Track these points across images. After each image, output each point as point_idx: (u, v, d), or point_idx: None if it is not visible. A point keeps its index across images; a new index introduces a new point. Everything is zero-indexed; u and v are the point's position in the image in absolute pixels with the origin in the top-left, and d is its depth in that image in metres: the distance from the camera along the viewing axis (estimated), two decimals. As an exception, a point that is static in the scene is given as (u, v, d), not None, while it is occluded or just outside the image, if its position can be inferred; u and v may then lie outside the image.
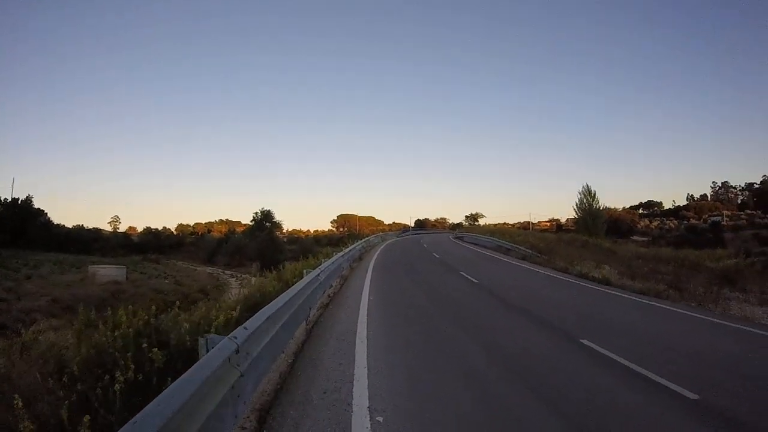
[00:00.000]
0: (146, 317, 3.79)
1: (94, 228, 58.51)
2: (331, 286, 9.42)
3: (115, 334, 3.41)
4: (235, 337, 2.56)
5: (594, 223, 45.13)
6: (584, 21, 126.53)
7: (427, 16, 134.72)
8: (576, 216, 48.58)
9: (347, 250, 14.56)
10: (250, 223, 46.32)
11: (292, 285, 5.49)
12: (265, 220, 40.85)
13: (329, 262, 9.09)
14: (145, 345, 3.05)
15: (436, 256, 19.83)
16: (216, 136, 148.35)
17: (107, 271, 25.11)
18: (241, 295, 6.49)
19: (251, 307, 5.07)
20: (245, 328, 2.83)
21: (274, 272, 9.31)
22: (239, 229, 60.17)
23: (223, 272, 40.98)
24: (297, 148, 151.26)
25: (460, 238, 39.49)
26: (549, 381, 3.93)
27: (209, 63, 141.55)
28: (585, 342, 5.33)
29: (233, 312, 4.29)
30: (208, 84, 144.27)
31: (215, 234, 66.14)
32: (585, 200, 46.87)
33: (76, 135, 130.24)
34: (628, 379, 4.06)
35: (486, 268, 15.16)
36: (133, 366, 2.77)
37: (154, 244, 62.83)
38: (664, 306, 8.57)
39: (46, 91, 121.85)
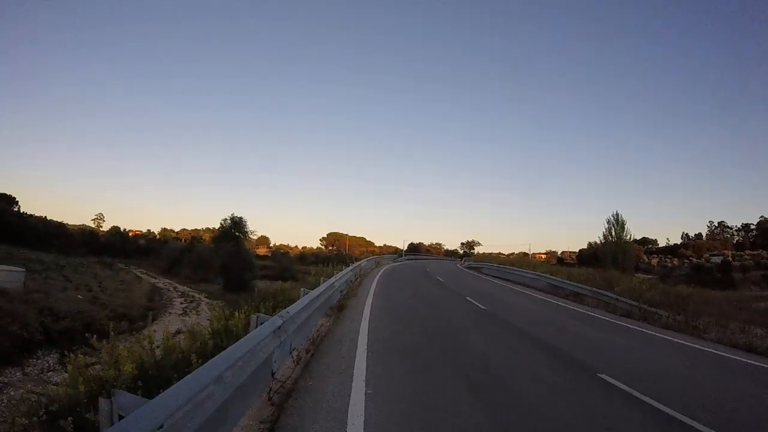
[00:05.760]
0: None
1: (59, 222, 52.70)
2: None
3: None
4: None
5: (625, 257, 38.83)
6: (575, 53, 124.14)
7: (425, 32, 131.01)
8: (602, 246, 42.31)
9: (306, 298, 6.60)
10: (221, 231, 38.23)
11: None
12: (234, 229, 32.75)
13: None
14: None
15: (480, 305, 12.17)
16: (215, 144, 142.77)
17: (-3, 275, 17.73)
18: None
19: None
20: None
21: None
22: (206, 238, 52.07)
23: (176, 288, 33.01)
24: (294, 163, 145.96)
25: (477, 269, 31.76)
26: None
27: (219, 71, 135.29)
28: None
29: None
30: (211, 90, 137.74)
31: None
32: (614, 231, 40.53)
33: (73, 130, 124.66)
34: None
35: (645, 362, 6.69)
36: None
37: (119, 247, 56.47)
38: None
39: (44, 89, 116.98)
